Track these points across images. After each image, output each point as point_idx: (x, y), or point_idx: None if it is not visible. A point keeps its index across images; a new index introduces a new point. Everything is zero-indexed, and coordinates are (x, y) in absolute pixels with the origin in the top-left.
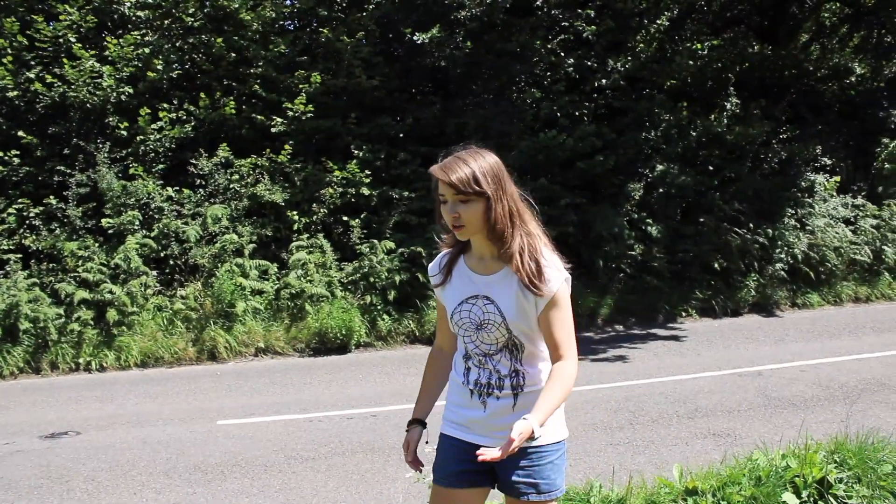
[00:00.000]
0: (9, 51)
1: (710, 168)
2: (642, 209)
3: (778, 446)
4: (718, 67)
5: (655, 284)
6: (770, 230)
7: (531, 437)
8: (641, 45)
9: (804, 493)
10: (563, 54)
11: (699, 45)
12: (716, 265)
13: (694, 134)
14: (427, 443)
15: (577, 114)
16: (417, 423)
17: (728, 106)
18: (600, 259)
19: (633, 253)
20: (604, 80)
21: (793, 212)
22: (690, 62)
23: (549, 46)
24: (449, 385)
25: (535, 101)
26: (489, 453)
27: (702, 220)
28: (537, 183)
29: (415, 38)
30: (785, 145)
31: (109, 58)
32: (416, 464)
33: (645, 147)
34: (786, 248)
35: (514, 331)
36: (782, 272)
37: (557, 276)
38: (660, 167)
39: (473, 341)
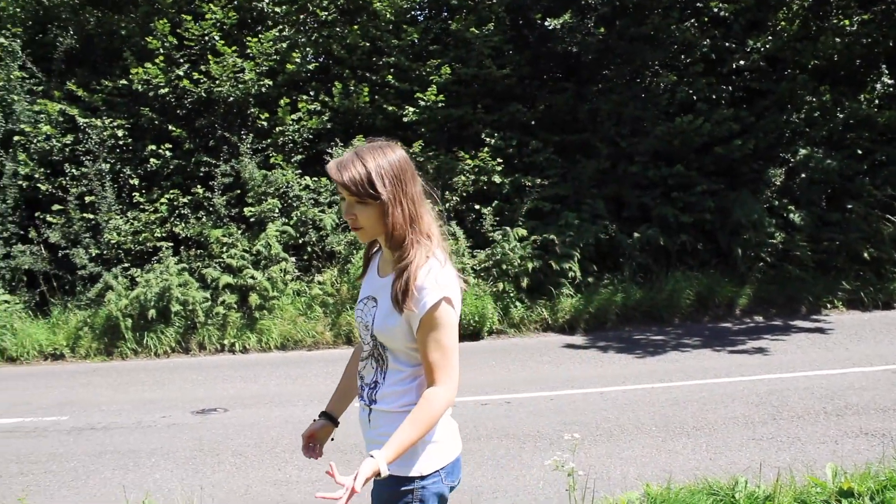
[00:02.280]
0: (160, 51)
1: (859, 152)
2: (783, 195)
3: None
4: (868, 44)
5: (798, 274)
6: None
7: (377, 475)
8: (783, 23)
9: None
10: (698, 35)
11: (847, 21)
12: (865, 255)
13: (840, 116)
14: (332, 439)
15: (713, 97)
16: (325, 416)
17: (879, 86)
18: (739, 247)
19: (773, 241)
20: (742, 62)
21: None
22: (837, 39)
23: (684, 26)
24: None
25: (670, 85)
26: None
27: (849, 206)
28: (673, 169)
29: (546, 24)
30: None
31: (250, 53)
32: (309, 452)
33: (786, 130)
34: None
35: (378, 338)
36: None
37: (433, 294)
38: (803, 151)
39: (366, 342)
